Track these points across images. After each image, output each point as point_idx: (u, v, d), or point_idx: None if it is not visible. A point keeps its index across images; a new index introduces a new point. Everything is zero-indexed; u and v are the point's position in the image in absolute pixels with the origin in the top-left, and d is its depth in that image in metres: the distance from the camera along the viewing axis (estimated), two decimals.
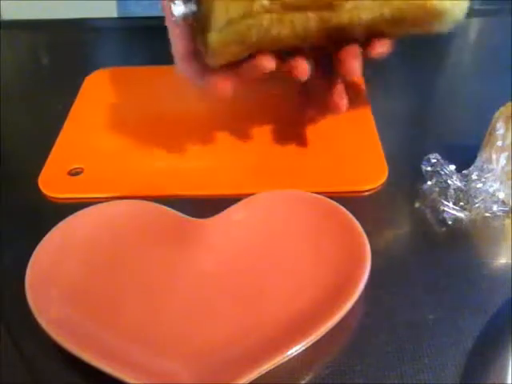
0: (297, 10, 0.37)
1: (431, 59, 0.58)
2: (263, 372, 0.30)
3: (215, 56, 0.38)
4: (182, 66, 0.42)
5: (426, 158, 0.43)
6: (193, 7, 0.38)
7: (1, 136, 0.53)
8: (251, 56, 0.39)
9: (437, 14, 0.38)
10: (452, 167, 0.43)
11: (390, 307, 0.37)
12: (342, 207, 0.40)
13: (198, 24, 0.38)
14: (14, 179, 0.48)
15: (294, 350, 0.31)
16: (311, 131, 0.49)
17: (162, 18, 0.41)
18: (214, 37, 0.36)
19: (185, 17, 0.38)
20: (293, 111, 0.51)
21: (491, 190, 0.41)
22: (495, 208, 0.41)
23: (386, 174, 0.45)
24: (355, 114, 0.51)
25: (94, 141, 0.50)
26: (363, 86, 0.54)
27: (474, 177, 0.42)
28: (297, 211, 0.40)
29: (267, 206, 0.41)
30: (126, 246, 0.39)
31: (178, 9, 0.38)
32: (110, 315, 0.35)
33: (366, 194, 0.44)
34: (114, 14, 0.80)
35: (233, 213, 0.41)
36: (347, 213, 0.39)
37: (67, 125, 0.52)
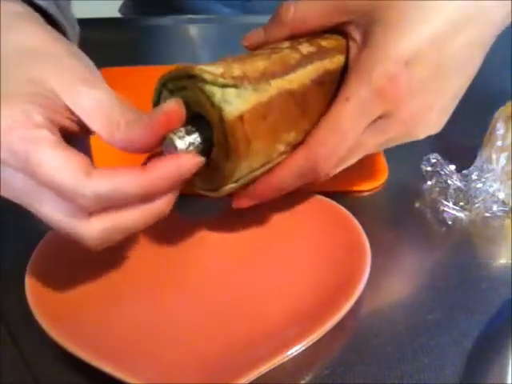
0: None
1: None
2: (263, 372, 0.30)
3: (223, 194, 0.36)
4: None
5: (425, 158, 0.43)
6: (198, 140, 0.34)
7: None
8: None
9: None
10: (452, 167, 0.43)
11: (390, 307, 0.37)
12: (342, 207, 0.40)
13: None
14: None
15: (294, 350, 0.31)
16: None
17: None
18: (229, 187, 0.35)
19: (188, 150, 0.33)
20: None
21: (491, 190, 0.41)
22: (495, 208, 0.41)
23: (386, 174, 0.45)
24: None
25: (94, 141, 0.50)
26: None
27: (474, 177, 0.42)
28: (297, 211, 0.40)
29: (267, 205, 0.41)
30: (125, 246, 0.39)
31: (183, 141, 0.33)
32: (110, 315, 0.35)
33: (366, 194, 0.44)
34: (115, 14, 0.80)
35: (233, 213, 0.41)
36: (347, 213, 0.39)
37: None
